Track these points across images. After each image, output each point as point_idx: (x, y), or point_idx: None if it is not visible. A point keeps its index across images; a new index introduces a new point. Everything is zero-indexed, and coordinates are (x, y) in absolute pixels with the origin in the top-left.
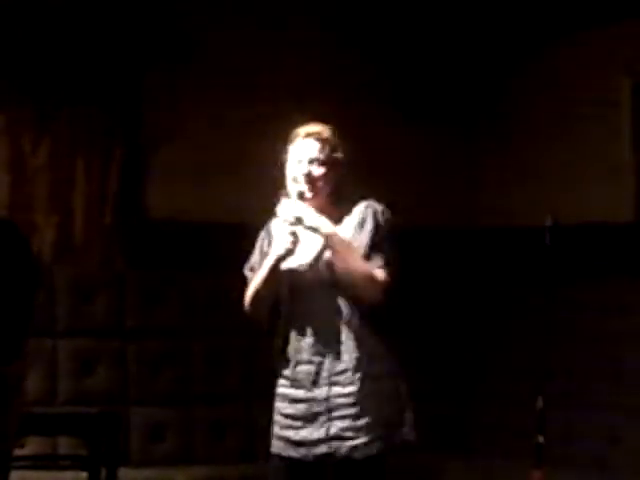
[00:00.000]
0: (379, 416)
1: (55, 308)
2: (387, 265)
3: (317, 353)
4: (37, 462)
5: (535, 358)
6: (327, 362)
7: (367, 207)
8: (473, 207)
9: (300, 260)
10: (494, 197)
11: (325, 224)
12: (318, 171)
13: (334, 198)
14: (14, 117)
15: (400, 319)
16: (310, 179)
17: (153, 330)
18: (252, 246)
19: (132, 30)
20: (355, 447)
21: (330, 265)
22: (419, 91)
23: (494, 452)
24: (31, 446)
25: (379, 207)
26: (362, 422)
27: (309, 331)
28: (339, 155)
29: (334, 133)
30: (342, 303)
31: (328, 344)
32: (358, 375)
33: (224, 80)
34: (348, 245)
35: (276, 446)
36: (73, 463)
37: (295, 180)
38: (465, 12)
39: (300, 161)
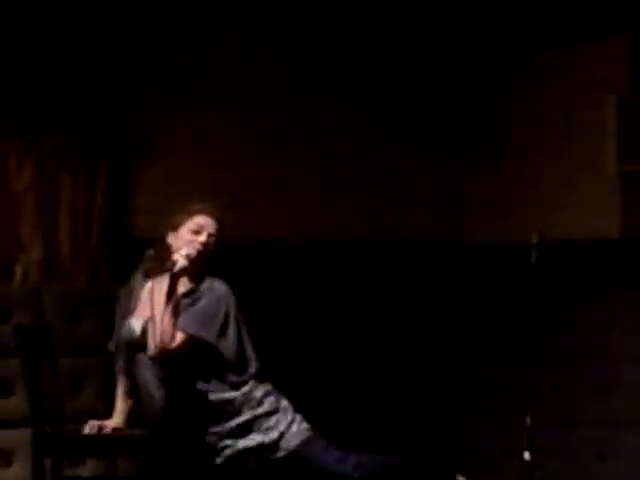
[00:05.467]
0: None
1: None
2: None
3: None
4: None
5: (522, 376)
6: None
7: (209, 288)
8: (457, 222)
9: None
10: (479, 213)
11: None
12: (211, 246)
13: (200, 271)
14: None
15: (384, 334)
16: (204, 251)
17: None
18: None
19: (118, 49)
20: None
21: None
22: (402, 105)
23: (482, 471)
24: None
25: (219, 287)
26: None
27: None
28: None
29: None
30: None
31: None
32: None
33: (210, 98)
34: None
35: None
36: None
37: (188, 246)
38: (447, 27)
39: (198, 231)
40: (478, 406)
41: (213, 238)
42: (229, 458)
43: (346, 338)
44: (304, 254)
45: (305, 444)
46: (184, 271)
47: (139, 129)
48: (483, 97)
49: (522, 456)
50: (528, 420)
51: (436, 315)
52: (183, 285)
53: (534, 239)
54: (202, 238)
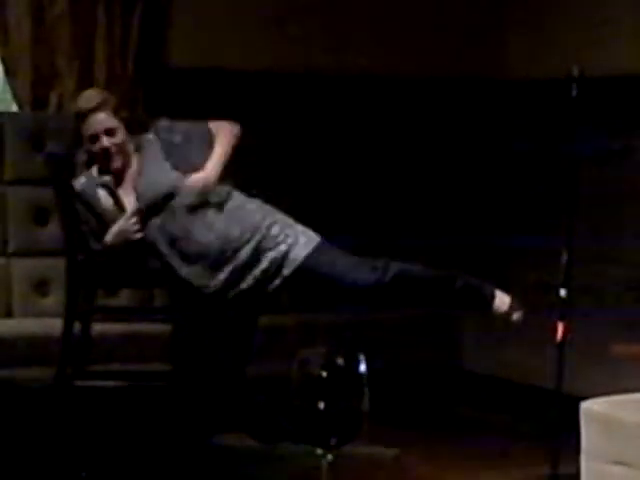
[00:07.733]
0: None
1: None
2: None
3: None
4: None
5: (561, 210)
6: None
7: (157, 130)
8: (497, 57)
9: None
10: (518, 46)
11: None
12: (112, 140)
13: (126, 141)
14: None
15: (421, 169)
16: (109, 151)
17: None
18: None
19: None
20: None
21: None
22: None
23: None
24: None
25: (164, 124)
26: None
27: None
28: (119, 113)
29: (109, 95)
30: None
31: None
32: None
33: None
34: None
35: None
36: None
37: (97, 155)
38: None
39: (95, 140)
40: (514, 244)
41: (111, 128)
42: (248, 289)
43: (373, 173)
44: (343, 86)
45: (315, 252)
46: (117, 167)
47: None
48: None
49: (557, 292)
50: (565, 257)
51: (476, 146)
52: (135, 164)
53: (575, 72)
54: (101, 143)
